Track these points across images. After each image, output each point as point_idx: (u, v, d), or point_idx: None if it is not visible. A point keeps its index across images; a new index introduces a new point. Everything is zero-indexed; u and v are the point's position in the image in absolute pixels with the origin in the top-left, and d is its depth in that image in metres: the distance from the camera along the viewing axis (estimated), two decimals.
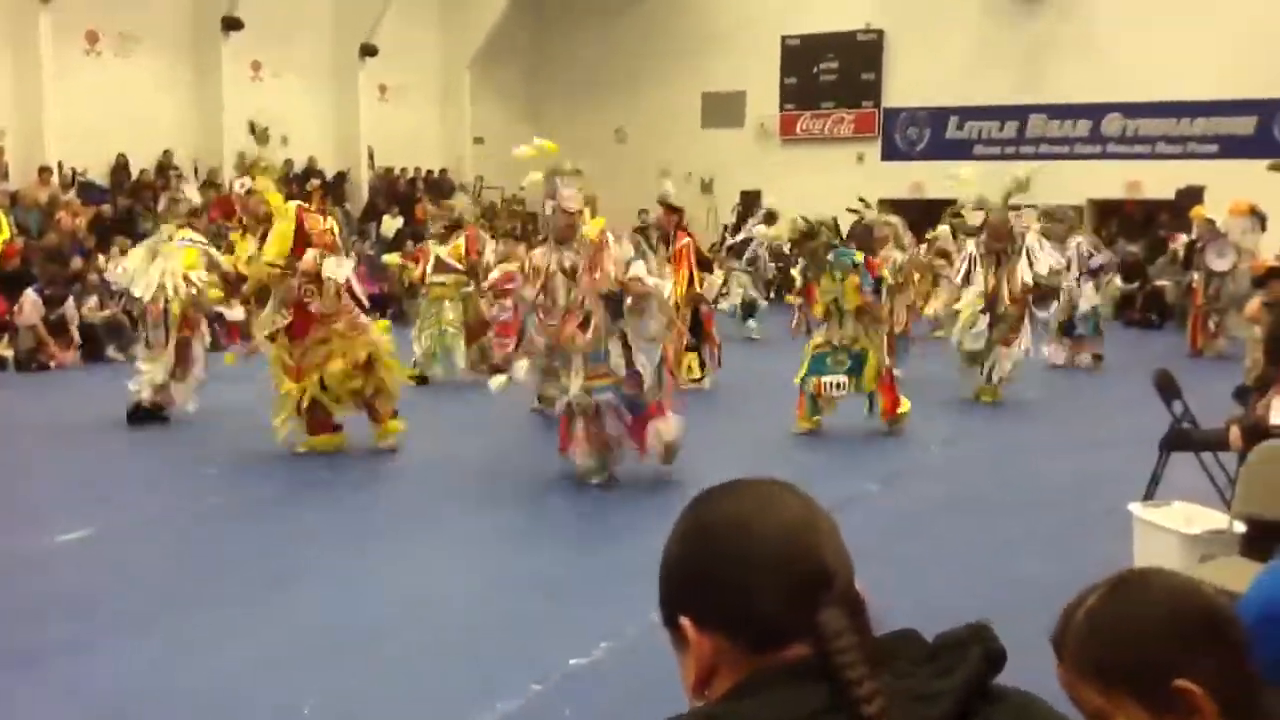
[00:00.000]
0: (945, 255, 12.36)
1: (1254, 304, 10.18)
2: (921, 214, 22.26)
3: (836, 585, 1.07)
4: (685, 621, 1.09)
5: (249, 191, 7.88)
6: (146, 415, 8.97)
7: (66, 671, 4.35)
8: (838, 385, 8.58)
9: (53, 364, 12.38)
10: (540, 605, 5.21)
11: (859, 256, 8.63)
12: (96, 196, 16.86)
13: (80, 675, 4.32)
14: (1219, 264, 13.91)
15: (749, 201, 22.08)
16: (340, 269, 7.77)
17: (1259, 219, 14.21)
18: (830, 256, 8.58)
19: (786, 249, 11.14)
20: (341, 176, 21.06)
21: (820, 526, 1.12)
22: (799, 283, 9.26)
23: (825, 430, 8.73)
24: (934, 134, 22.53)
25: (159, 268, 8.90)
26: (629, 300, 6.80)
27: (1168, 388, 6.49)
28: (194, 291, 8.91)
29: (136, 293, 9.00)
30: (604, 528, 6.45)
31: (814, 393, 8.67)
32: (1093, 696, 1.35)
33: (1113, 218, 21.66)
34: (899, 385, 8.87)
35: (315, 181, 19.99)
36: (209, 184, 18.37)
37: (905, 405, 8.74)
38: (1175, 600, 1.37)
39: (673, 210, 11.16)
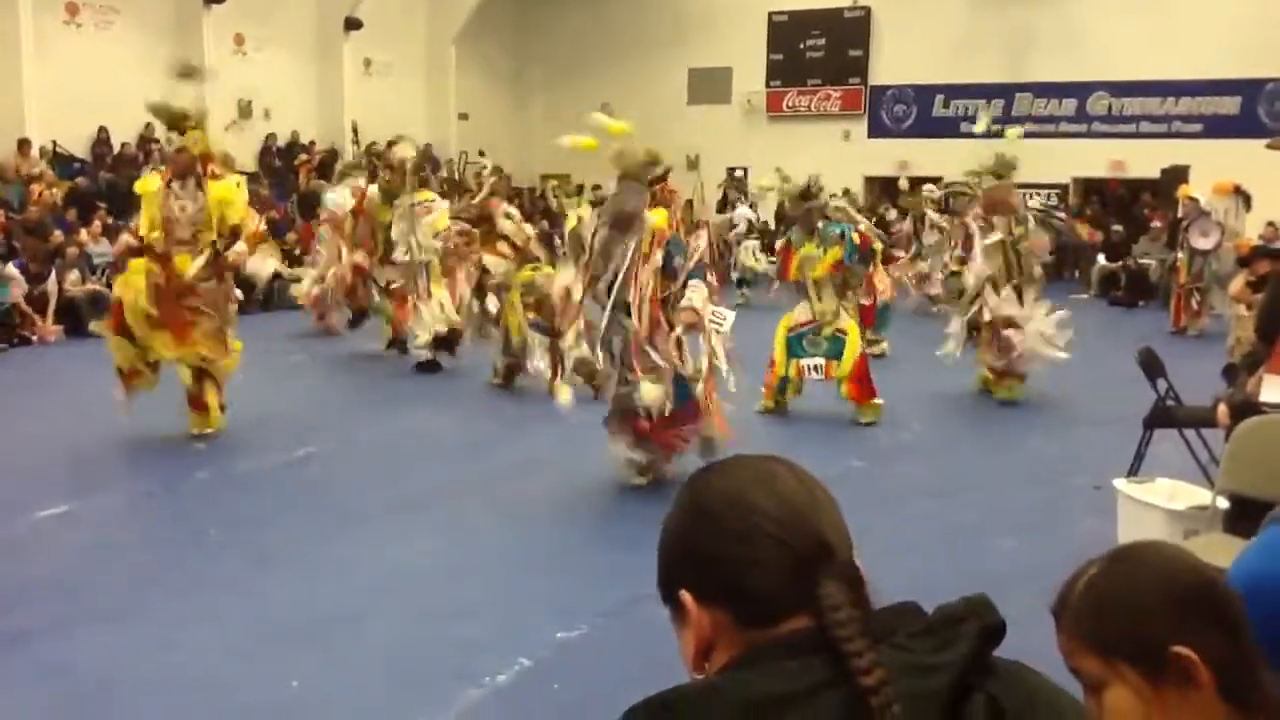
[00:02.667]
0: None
1: (1238, 282, 10.21)
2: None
3: (836, 559, 1.09)
4: (685, 596, 1.10)
5: (178, 149, 7.65)
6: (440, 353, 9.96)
7: (48, 653, 4.33)
8: (815, 368, 8.43)
9: (35, 339, 12.30)
10: (525, 580, 5.22)
11: (855, 233, 8.57)
12: (77, 170, 16.70)
13: (62, 657, 4.30)
14: (1203, 243, 13.97)
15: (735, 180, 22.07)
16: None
17: (1243, 198, 14.27)
18: (820, 225, 8.48)
19: (772, 215, 11.00)
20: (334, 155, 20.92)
21: (819, 501, 1.13)
22: (779, 246, 9.20)
23: (808, 409, 8.68)
24: (920, 112, 22.50)
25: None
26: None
27: (1151, 365, 6.52)
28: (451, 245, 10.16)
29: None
30: (584, 500, 6.44)
31: (793, 375, 8.50)
32: (1091, 665, 1.36)
33: (1097, 196, 21.73)
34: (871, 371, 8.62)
35: (304, 157, 19.86)
36: None
37: (879, 402, 8.45)
38: (1174, 572, 1.38)
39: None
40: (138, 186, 7.93)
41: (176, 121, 7.65)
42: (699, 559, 1.11)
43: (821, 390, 8.67)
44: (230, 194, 7.59)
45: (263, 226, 8.38)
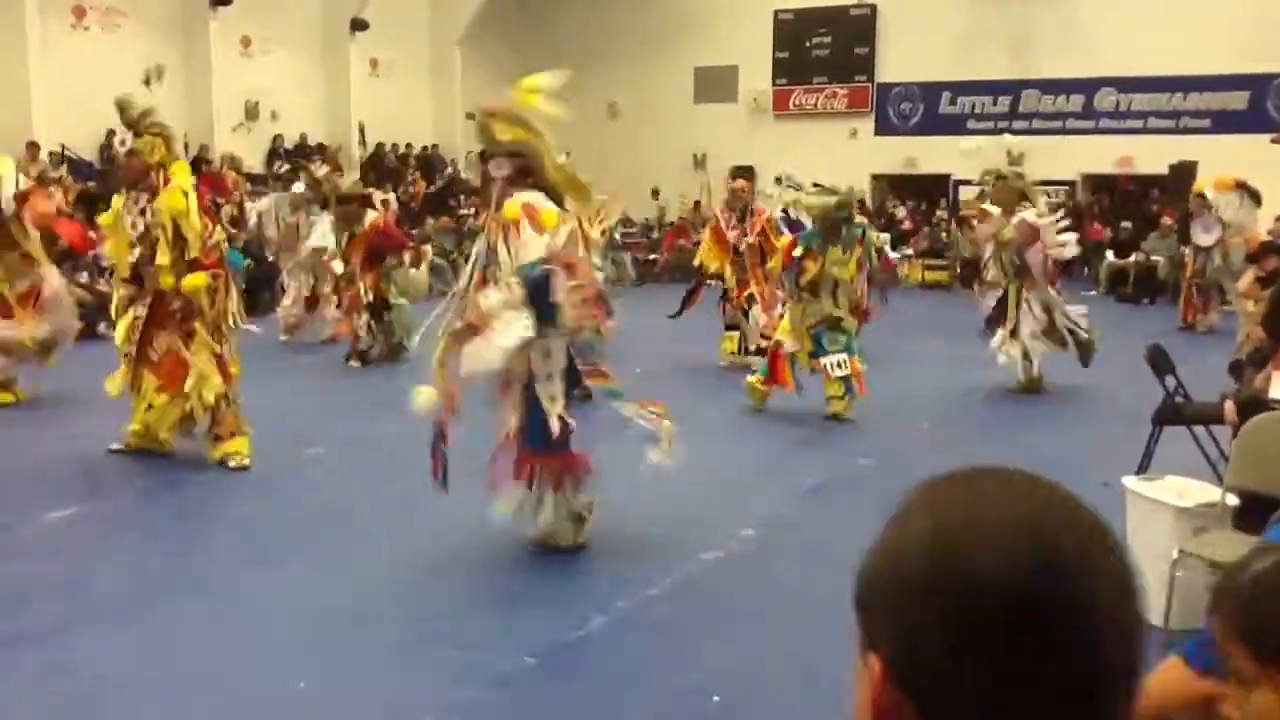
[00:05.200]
0: None
1: (1247, 279, 10.16)
2: (918, 188, 22.41)
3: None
4: (872, 659, 0.85)
5: (130, 152, 7.08)
6: None
7: (50, 653, 4.34)
8: (838, 364, 8.39)
9: None
10: (526, 580, 5.20)
11: (877, 238, 8.79)
12: (85, 173, 16.74)
13: (64, 656, 4.30)
14: (1204, 239, 13.94)
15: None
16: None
17: (1250, 194, 14.18)
18: (844, 230, 8.52)
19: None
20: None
21: (1095, 622, 0.79)
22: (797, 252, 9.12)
23: (813, 408, 8.63)
24: (927, 109, 22.45)
25: None
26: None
27: (1160, 362, 6.49)
28: None
29: None
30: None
31: (805, 362, 8.49)
32: (1243, 662, 1.32)
33: (1105, 192, 21.66)
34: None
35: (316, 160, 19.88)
36: (200, 159, 18.27)
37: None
38: None
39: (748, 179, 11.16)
40: (101, 220, 7.30)
41: (135, 122, 6.93)
42: (885, 621, 0.84)
43: (819, 388, 8.60)
44: (180, 204, 6.70)
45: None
